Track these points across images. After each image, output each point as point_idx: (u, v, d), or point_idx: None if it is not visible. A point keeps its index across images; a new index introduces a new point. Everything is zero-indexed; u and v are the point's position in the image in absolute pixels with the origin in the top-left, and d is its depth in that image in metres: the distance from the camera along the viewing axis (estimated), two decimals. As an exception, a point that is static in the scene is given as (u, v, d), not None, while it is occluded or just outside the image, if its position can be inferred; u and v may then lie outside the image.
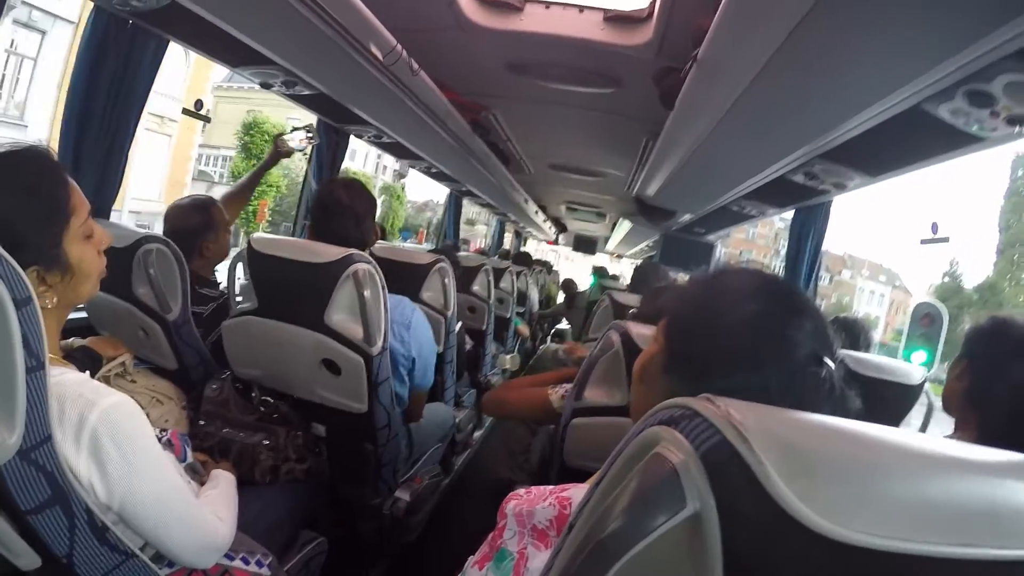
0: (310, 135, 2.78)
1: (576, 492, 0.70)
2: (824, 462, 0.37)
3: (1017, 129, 1.45)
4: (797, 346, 0.63)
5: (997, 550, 0.38)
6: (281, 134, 2.74)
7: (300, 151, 2.85)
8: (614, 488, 0.42)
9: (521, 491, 0.76)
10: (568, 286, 7.06)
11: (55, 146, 1.57)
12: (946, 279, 36.07)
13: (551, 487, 0.74)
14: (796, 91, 1.50)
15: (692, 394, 0.63)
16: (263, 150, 20.42)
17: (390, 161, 30.17)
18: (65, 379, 0.80)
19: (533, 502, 0.72)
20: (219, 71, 17.80)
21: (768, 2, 1.19)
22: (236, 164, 21.53)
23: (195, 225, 1.91)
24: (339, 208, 1.63)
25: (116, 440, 0.80)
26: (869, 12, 1.09)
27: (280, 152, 2.72)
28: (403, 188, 31.43)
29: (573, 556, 0.44)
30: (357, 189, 1.69)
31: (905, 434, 0.42)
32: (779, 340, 0.64)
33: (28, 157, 0.88)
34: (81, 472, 0.78)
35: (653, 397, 0.71)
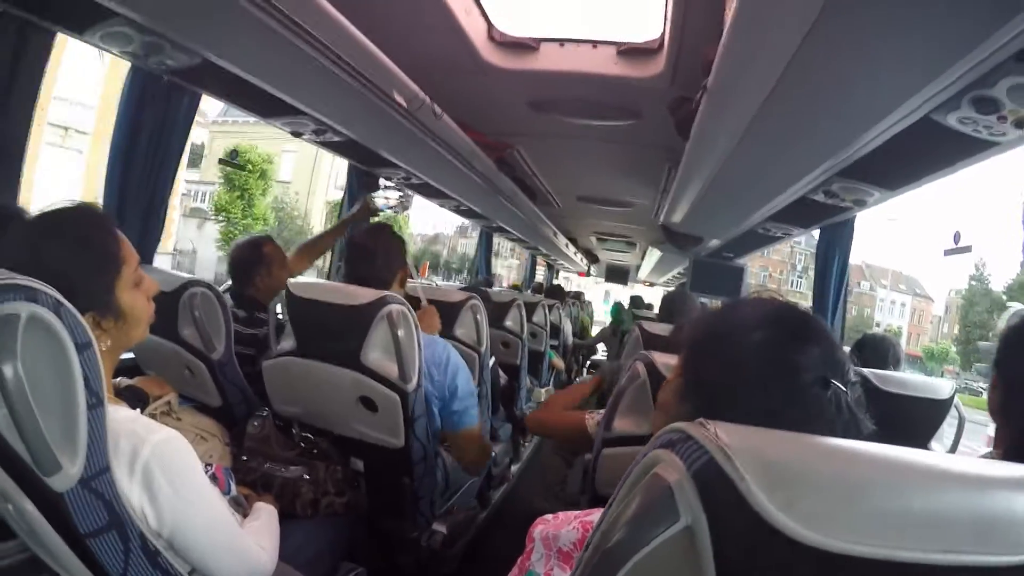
0: (402, 198, 2.95)
1: (598, 516, 0.74)
2: (804, 476, 0.41)
3: None
4: (802, 371, 0.64)
5: (981, 556, 0.42)
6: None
7: (390, 210, 2.98)
8: (620, 507, 0.46)
9: (548, 516, 0.80)
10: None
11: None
12: (973, 283, 34.98)
13: (576, 512, 0.78)
14: (806, 111, 1.53)
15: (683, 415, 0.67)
16: (246, 181, 20.53)
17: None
18: (118, 416, 0.87)
19: (559, 526, 0.76)
20: (213, 105, 15.96)
21: (768, 28, 1.22)
22: (220, 196, 21.17)
23: (249, 259, 2.17)
24: (366, 253, 1.72)
25: (166, 472, 0.86)
26: (867, 28, 1.11)
27: (369, 210, 2.93)
28: (406, 220, 30.17)
29: (584, 568, 0.49)
30: (383, 234, 1.78)
31: (887, 448, 0.45)
32: (783, 365, 0.65)
33: (79, 213, 0.96)
34: (134, 501, 0.84)
35: (666, 420, 0.74)
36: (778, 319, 0.70)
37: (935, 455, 0.46)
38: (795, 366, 0.65)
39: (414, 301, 1.97)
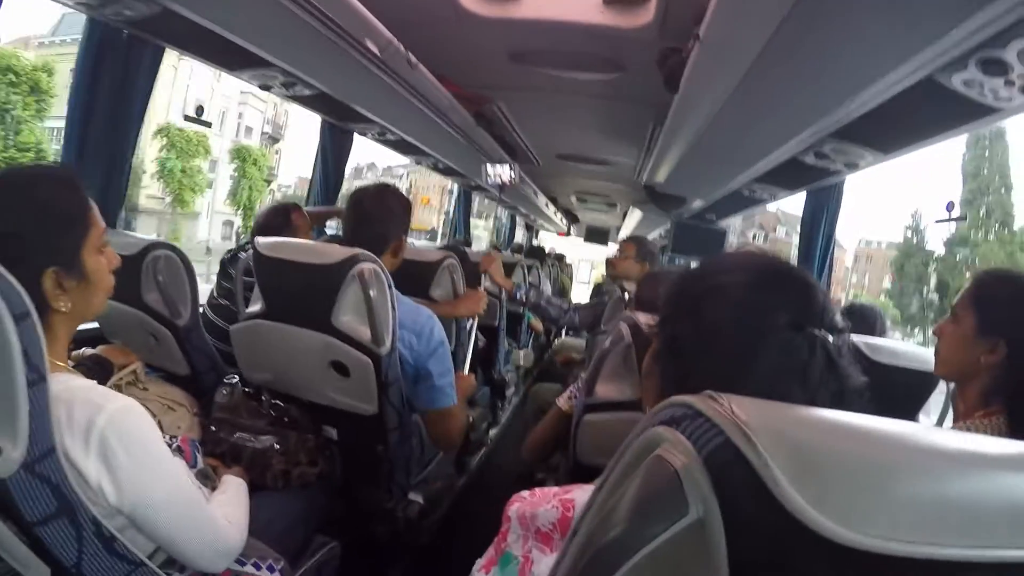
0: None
1: (580, 494, 0.68)
2: (835, 463, 0.35)
3: None
4: (771, 312, 0.62)
5: (1018, 551, 0.36)
6: None
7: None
8: (616, 492, 0.39)
9: (525, 493, 0.74)
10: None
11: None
12: (908, 233, 34.19)
13: (555, 488, 0.73)
14: (803, 67, 1.47)
15: (679, 379, 0.61)
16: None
17: (258, 122, 26.78)
18: (73, 384, 0.83)
19: (536, 504, 0.70)
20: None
21: None
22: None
23: (275, 225, 2.20)
24: (363, 215, 1.66)
25: (124, 442, 0.81)
26: None
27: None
28: (270, 153, 27.48)
29: (575, 562, 0.42)
30: (385, 197, 1.69)
31: (918, 429, 0.39)
32: (752, 307, 0.63)
33: (50, 171, 0.96)
34: (91, 475, 0.79)
35: (651, 388, 0.71)
36: (750, 267, 0.68)
37: (961, 435, 0.40)
38: (764, 307, 0.63)
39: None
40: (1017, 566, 0.36)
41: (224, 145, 24.76)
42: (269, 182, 27.39)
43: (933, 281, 31.73)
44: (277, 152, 29.06)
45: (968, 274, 27.97)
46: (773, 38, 1.32)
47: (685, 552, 0.35)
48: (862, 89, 1.50)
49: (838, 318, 0.65)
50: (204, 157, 20.61)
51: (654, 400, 0.42)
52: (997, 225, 29.49)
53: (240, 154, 24.99)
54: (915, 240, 33.69)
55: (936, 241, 33.15)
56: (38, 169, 0.96)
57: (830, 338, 0.62)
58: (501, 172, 2.83)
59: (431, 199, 32.68)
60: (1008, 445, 0.41)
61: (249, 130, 26.81)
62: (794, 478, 0.33)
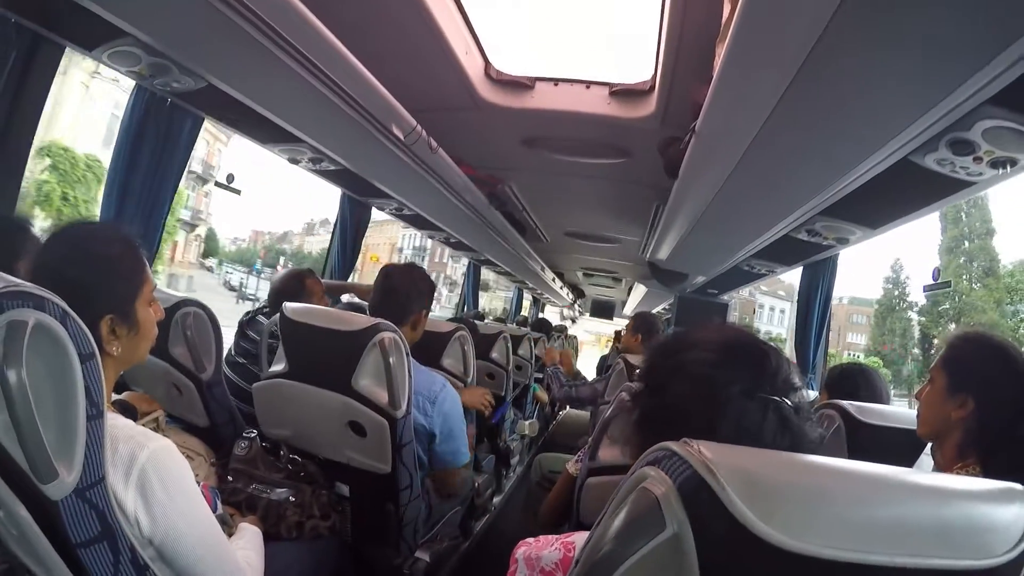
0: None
1: (579, 537, 0.77)
2: (780, 487, 0.46)
3: (1001, 171, 1.52)
4: (727, 385, 0.69)
5: (945, 560, 0.47)
6: None
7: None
8: (609, 519, 0.50)
9: (531, 540, 0.83)
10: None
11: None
12: (888, 286, 32.50)
13: (558, 535, 0.81)
14: (790, 154, 1.59)
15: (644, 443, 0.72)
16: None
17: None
18: (118, 422, 0.90)
19: (540, 548, 0.79)
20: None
21: (755, 73, 1.29)
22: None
23: (290, 289, 2.31)
24: (389, 289, 1.80)
25: (162, 479, 0.87)
26: (851, 75, 1.17)
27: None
28: (197, 194, 25.52)
29: None
30: (411, 275, 1.84)
31: (855, 464, 0.50)
32: (710, 384, 0.70)
33: (116, 232, 1.06)
34: (128, 506, 0.85)
35: (633, 450, 0.78)
36: (710, 344, 0.75)
37: (902, 470, 0.51)
38: (720, 382, 0.70)
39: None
40: (942, 573, 0.47)
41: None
42: (195, 226, 26.10)
43: (917, 334, 30.39)
44: (207, 195, 27.11)
45: (952, 326, 26.51)
46: (762, 130, 1.45)
47: (664, 561, 0.45)
48: (845, 171, 1.62)
49: (793, 379, 0.72)
50: (96, 185, 16.64)
51: (635, 459, 0.53)
52: (980, 271, 28.57)
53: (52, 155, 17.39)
54: (896, 292, 32.31)
55: (918, 292, 32.15)
56: (102, 227, 1.07)
57: (784, 400, 0.70)
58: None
59: (380, 256, 32.31)
60: (938, 478, 0.52)
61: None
62: (747, 499, 0.44)
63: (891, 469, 0.50)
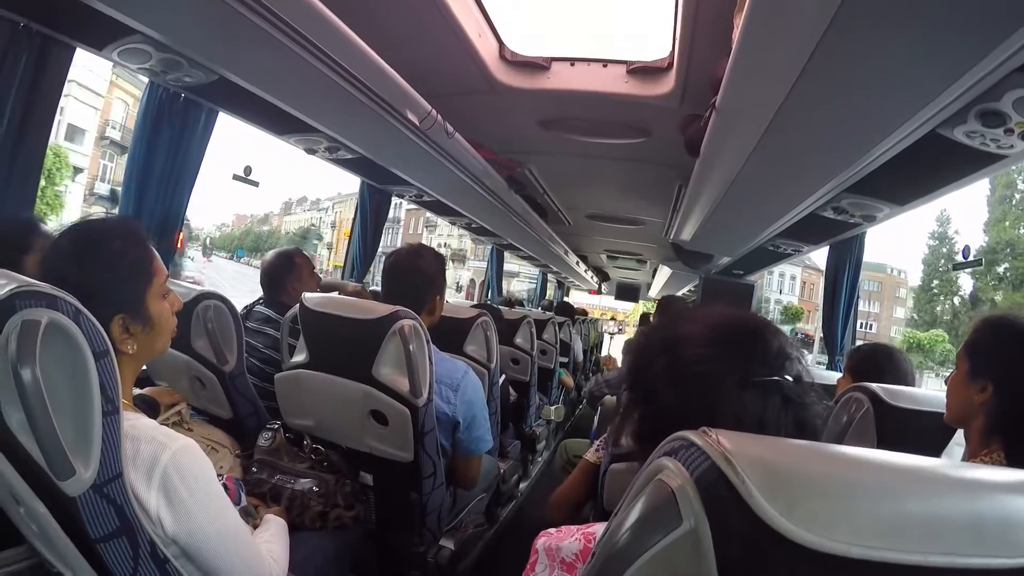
0: None
1: (600, 528, 0.75)
2: (804, 480, 0.42)
3: None
4: (719, 384, 0.67)
5: (980, 559, 0.42)
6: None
7: None
8: (625, 512, 0.47)
9: (552, 530, 0.81)
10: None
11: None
12: (934, 242, 26.01)
13: (578, 525, 0.80)
14: (814, 128, 1.53)
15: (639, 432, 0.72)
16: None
17: (89, 121, 19.24)
18: (140, 423, 0.91)
19: (561, 538, 0.78)
20: None
21: (774, 47, 1.24)
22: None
23: (280, 267, 2.29)
24: (403, 276, 1.76)
25: (185, 479, 0.88)
26: (873, 45, 1.12)
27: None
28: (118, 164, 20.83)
29: (590, 572, 0.50)
30: (423, 258, 1.79)
31: (886, 454, 0.47)
32: (701, 382, 0.69)
33: (119, 224, 1.05)
34: (151, 506, 0.86)
35: (639, 456, 0.76)
36: (694, 338, 0.72)
37: (931, 460, 0.47)
38: (712, 378, 0.68)
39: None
40: (980, 572, 0.43)
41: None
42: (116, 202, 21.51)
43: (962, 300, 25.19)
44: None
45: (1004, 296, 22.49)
46: (783, 105, 1.40)
47: (680, 557, 0.42)
48: (871, 146, 1.56)
49: (788, 350, 0.70)
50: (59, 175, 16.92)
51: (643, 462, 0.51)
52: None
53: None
54: (943, 250, 26.28)
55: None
56: (105, 223, 1.04)
57: (783, 377, 0.68)
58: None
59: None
60: (968, 468, 0.48)
61: (76, 131, 19.40)
62: (766, 493, 0.40)
63: (919, 459, 0.47)
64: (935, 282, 27.26)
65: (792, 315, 36.47)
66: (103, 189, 21.78)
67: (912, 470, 0.45)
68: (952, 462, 0.48)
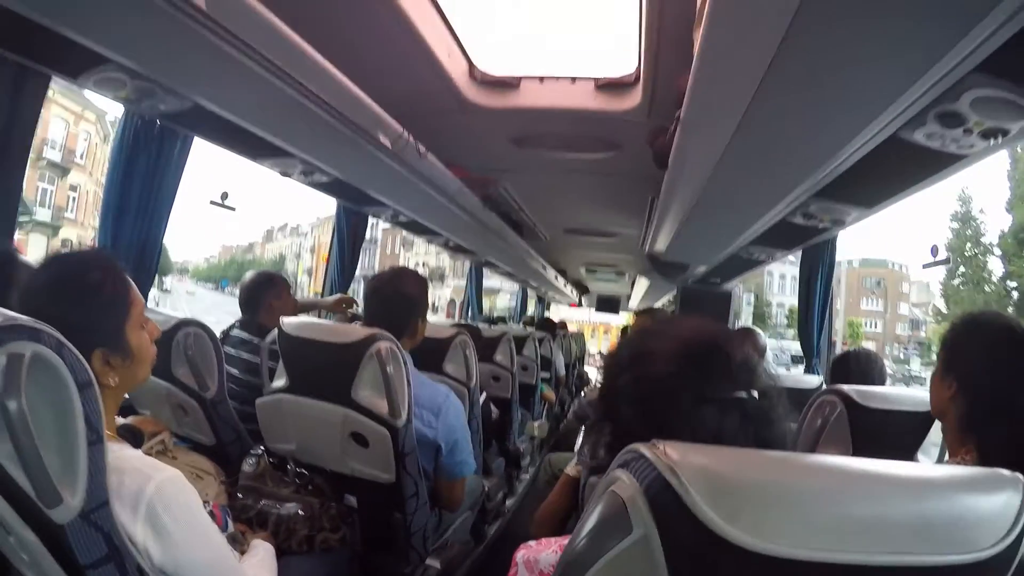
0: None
1: None
2: (747, 487, 0.45)
3: (992, 142, 1.50)
4: (675, 399, 0.69)
5: (925, 556, 0.46)
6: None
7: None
8: (582, 523, 0.50)
9: (532, 542, 0.84)
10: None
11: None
12: (956, 224, 22.27)
13: (557, 537, 0.84)
14: (777, 137, 1.58)
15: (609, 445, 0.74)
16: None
17: None
18: (124, 454, 0.91)
19: (539, 551, 0.81)
20: None
21: (734, 57, 1.27)
22: None
23: (259, 284, 2.34)
24: (384, 299, 1.78)
25: (170, 510, 0.88)
26: (830, 51, 1.16)
27: (345, 303, 3.13)
28: (59, 187, 20.42)
29: None
30: (404, 281, 1.80)
31: (828, 459, 0.50)
32: (659, 396, 0.71)
33: (92, 257, 1.06)
34: (138, 538, 0.86)
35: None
36: (657, 355, 0.74)
37: (880, 463, 0.50)
38: (667, 396, 0.70)
39: None
40: (930, 570, 0.46)
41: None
42: (57, 228, 20.67)
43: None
44: (73, 189, 21.82)
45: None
46: (746, 114, 1.44)
47: (633, 564, 0.46)
48: (834, 152, 1.60)
49: (753, 365, 0.72)
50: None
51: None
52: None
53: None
54: (968, 232, 22.64)
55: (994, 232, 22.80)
56: (78, 256, 1.05)
57: (747, 393, 0.69)
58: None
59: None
60: (919, 469, 0.51)
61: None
62: (710, 501, 0.44)
63: (867, 462, 0.50)
64: (961, 269, 23.62)
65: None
66: (43, 215, 20.57)
67: (857, 473, 0.48)
68: (899, 463, 0.50)
